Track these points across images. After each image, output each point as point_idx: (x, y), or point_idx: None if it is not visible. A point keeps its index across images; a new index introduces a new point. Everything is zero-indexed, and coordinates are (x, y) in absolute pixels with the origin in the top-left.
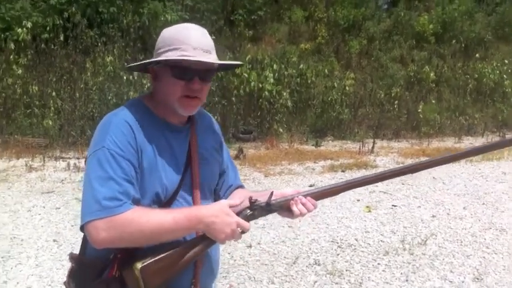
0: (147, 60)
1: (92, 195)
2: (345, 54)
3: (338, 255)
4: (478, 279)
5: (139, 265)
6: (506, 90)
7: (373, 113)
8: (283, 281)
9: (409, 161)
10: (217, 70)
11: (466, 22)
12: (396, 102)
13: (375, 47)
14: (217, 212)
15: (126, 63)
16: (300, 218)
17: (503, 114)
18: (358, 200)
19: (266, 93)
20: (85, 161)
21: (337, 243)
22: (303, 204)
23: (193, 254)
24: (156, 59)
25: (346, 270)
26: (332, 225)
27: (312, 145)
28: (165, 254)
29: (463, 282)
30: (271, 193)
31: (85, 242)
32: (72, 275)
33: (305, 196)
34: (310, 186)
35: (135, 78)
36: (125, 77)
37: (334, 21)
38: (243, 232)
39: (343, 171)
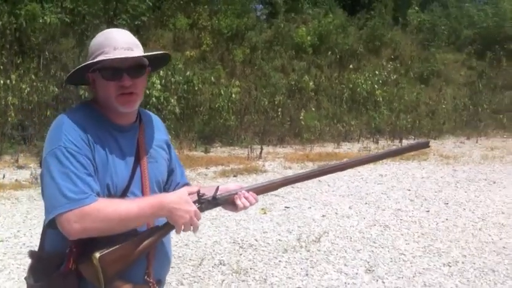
0: (72, 70)
1: (57, 190)
2: (230, 62)
3: (241, 255)
4: (369, 270)
5: (97, 254)
6: (377, 99)
7: (259, 119)
8: (192, 282)
9: (295, 166)
10: (153, 67)
11: (340, 35)
12: (280, 109)
13: (258, 56)
14: (178, 199)
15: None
16: (243, 210)
17: (375, 121)
18: None
19: (154, 99)
20: (40, 161)
21: (239, 243)
22: (246, 198)
23: (148, 243)
24: (78, 67)
25: (251, 269)
26: (231, 228)
27: (201, 151)
28: (122, 244)
29: (356, 274)
30: (217, 188)
31: (43, 238)
32: (32, 270)
33: (247, 191)
34: None
35: (13, 82)
36: (1, 81)
37: (218, 30)
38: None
39: (234, 176)
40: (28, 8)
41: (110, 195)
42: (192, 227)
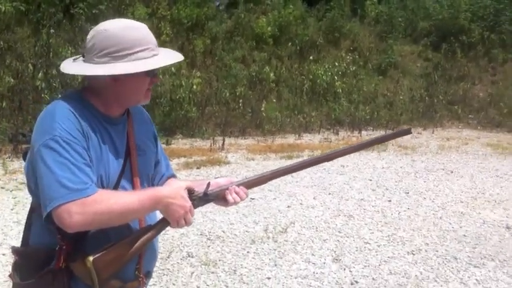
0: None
1: (55, 180)
2: (190, 53)
3: (209, 246)
4: (336, 260)
5: (91, 258)
6: (337, 91)
7: (220, 111)
8: (161, 275)
9: (258, 157)
10: None
11: (300, 26)
12: (241, 101)
13: (218, 46)
14: (174, 194)
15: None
16: (233, 205)
17: (335, 112)
18: None
19: None
20: (29, 152)
21: (206, 235)
22: (237, 193)
23: (142, 243)
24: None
25: (219, 260)
26: (198, 220)
27: (163, 143)
28: (116, 245)
29: (324, 263)
30: (208, 184)
31: (27, 234)
32: (17, 267)
33: (238, 186)
34: None
35: None
36: None
37: (178, 20)
38: None
39: (198, 168)
40: None
41: (102, 187)
42: (185, 223)
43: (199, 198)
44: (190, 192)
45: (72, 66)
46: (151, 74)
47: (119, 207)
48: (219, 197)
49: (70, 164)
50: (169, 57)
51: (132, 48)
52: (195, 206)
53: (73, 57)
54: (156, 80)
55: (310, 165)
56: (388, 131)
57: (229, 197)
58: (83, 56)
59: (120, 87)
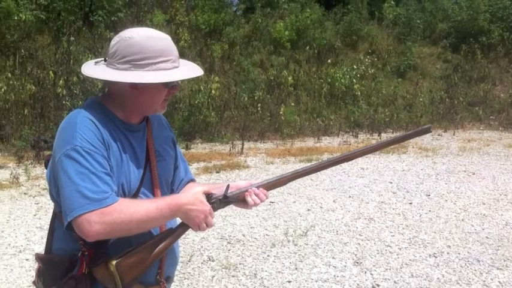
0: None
1: (76, 190)
2: (208, 58)
3: (229, 250)
4: (357, 263)
5: (114, 261)
6: (356, 94)
7: (238, 115)
8: (182, 279)
9: (277, 161)
10: None
11: (318, 30)
12: (259, 105)
13: (236, 51)
14: (193, 200)
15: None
16: (254, 207)
17: (354, 115)
18: None
19: None
20: (50, 161)
21: (227, 239)
22: (256, 195)
23: (163, 247)
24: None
25: (240, 264)
26: (218, 224)
27: (182, 148)
28: (137, 248)
29: (345, 266)
30: (228, 186)
31: (50, 241)
32: (41, 274)
33: (257, 187)
34: None
35: None
36: None
37: (196, 26)
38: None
39: (217, 172)
40: (3, 5)
41: (124, 195)
42: (207, 226)
43: (219, 201)
44: (209, 195)
45: (94, 70)
46: (169, 85)
47: (138, 217)
48: (239, 199)
49: (90, 174)
50: (189, 70)
51: (155, 58)
52: (215, 208)
53: (95, 60)
54: (175, 91)
55: (329, 166)
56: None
57: (249, 199)
58: (105, 61)
59: (138, 96)
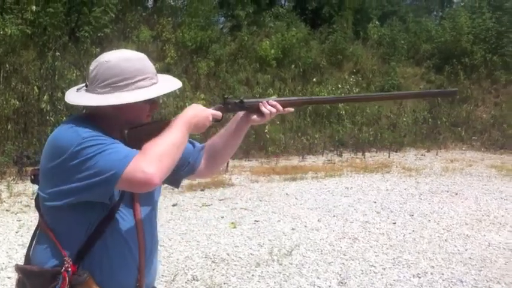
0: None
1: (106, 161)
2: (194, 75)
3: (214, 269)
4: (342, 283)
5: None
6: (340, 112)
7: None
8: None
9: (262, 179)
10: None
11: (303, 49)
12: None
13: (222, 69)
14: (195, 112)
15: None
16: (268, 120)
17: (339, 134)
18: (222, 217)
19: None
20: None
21: (211, 258)
22: (273, 106)
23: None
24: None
25: (224, 283)
26: (202, 242)
27: None
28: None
29: (329, 286)
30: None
31: (30, 254)
32: (21, 285)
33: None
34: (174, 205)
35: None
36: None
37: (182, 43)
38: (217, 120)
39: (202, 190)
40: None
41: (102, 210)
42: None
43: (234, 104)
44: (225, 98)
45: (76, 97)
46: (150, 101)
47: (170, 144)
48: (254, 108)
49: (110, 143)
50: (168, 85)
51: (133, 78)
52: (230, 110)
53: (77, 87)
54: (156, 107)
55: (346, 101)
56: (391, 153)
57: (264, 109)
58: (86, 86)
59: (121, 115)
